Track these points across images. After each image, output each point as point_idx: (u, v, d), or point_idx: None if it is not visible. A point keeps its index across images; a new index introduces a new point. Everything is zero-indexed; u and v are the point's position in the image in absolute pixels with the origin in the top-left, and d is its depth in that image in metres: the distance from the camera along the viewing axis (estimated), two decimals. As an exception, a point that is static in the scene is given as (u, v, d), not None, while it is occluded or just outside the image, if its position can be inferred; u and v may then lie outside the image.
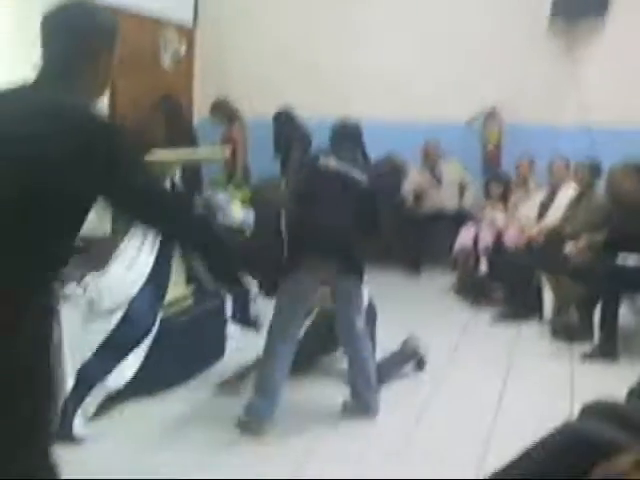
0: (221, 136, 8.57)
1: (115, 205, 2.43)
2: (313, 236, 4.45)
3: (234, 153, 8.46)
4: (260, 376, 4.47)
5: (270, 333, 4.49)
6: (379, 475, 3.90)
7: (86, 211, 2.34)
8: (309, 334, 5.13)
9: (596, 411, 2.95)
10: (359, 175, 4.54)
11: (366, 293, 4.96)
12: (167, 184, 5.03)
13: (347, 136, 4.75)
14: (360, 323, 4.61)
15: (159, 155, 5.64)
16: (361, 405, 4.63)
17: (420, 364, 5.44)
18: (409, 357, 5.41)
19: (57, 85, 2.34)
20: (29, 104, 2.30)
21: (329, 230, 4.42)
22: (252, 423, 4.34)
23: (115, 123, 2.53)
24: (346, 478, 3.80)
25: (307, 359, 5.16)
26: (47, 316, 2.35)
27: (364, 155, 4.75)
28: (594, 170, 6.94)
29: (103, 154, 2.24)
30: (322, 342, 5.27)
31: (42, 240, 2.24)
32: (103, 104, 8.11)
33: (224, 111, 8.58)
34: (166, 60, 9.30)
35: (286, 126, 8.33)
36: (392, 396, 4.94)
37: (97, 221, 7.57)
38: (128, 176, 2.32)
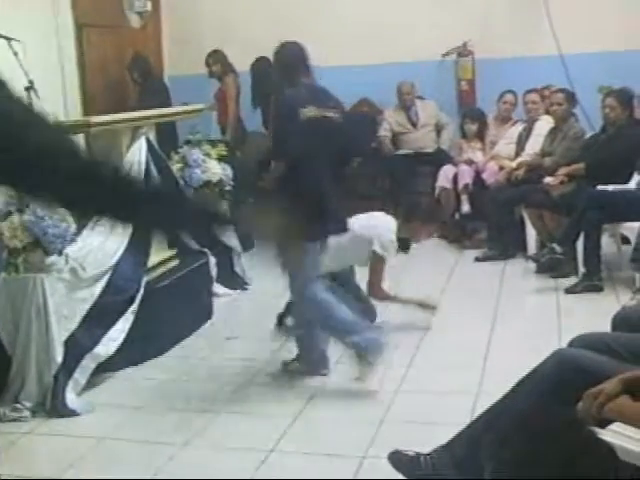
0: (215, 90, 8.48)
1: None
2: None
3: (226, 108, 8.40)
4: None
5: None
6: (375, 410, 3.97)
7: None
8: None
9: (583, 342, 2.99)
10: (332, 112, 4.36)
11: None
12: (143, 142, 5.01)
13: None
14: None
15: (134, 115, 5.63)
16: None
17: None
18: None
19: None
20: None
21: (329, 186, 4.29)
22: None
23: None
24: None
25: None
26: None
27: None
28: (570, 99, 6.91)
29: None
30: None
31: None
32: (72, 68, 8.03)
33: (221, 61, 8.45)
34: (133, 19, 9.14)
35: (265, 75, 8.19)
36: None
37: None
38: None
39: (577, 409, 2.28)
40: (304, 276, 4.27)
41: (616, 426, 2.28)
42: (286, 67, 4.43)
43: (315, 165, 4.24)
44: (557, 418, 1.90)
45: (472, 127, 7.75)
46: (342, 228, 4.49)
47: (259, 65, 8.07)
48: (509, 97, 7.90)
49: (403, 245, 5.81)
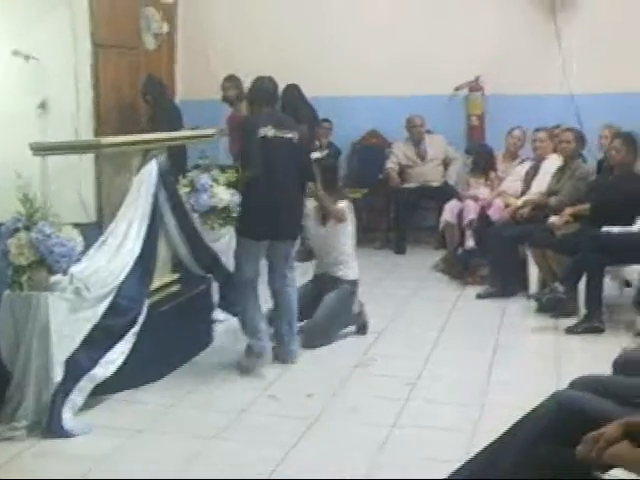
0: (227, 115, 8.49)
1: None
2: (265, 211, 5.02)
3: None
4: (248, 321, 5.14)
5: (243, 286, 5.12)
6: (371, 445, 3.95)
7: None
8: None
9: (583, 384, 2.98)
10: (291, 133, 5.08)
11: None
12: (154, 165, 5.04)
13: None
14: (291, 275, 5.26)
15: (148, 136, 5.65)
16: (283, 350, 5.22)
17: (363, 328, 5.80)
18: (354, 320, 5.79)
19: None
20: None
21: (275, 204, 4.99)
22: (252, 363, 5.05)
23: None
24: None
25: None
26: None
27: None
28: (578, 138, 6.93)
29: None
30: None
31: None
32: (86, 87, 8.09)
33: (237, 86, 8.46)
34: (148, 41, 9.19)
35: (295, 102, 8.20)
36: (383, 371, 5.04)
37: (82, 208, 7.60)
38: None
39: (576, 451, 2.27)
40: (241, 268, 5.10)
41: (616, 471, 2.27)
42: (253, 98, 5.24)
43: (272, 175, 4.94)
44: (557, 458, 1.88)
45: (480, 163, 7.79)
46: (292, 236, 5.22)
47: (289, 92, 8.09)
48: (517, 132, 7.94)
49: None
